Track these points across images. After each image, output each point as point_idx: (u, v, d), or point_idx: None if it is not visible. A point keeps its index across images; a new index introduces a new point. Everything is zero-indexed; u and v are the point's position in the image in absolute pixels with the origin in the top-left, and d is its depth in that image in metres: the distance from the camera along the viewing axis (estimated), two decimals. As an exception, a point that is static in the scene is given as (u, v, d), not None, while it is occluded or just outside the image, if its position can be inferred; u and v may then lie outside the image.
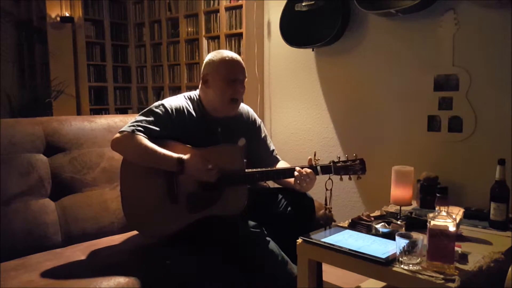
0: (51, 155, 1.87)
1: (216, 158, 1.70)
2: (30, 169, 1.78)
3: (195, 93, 1.86)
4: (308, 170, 1.70)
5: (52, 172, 1.84)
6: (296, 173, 1.70)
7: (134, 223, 1.77)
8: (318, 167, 1.72)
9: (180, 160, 1.63)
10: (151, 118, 1.70)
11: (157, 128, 1.70)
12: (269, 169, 1.80)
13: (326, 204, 1.67)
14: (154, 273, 1.51)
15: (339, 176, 1.73)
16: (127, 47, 4.97)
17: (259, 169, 1.76)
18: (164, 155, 1.64)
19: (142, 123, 1.69)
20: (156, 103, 1.77)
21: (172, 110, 1.73)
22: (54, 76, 4.39)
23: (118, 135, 1.69)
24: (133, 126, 1.68)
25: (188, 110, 1.78)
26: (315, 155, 1.75)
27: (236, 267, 1.67)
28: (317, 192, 1.78)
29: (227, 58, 1.77)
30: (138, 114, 1.75)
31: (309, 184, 1.72)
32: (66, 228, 1.80)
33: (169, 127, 1.73)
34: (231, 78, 1.75)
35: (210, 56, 1.82)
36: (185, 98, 1.83)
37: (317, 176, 1.73)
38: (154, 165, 1.67)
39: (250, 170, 1.74)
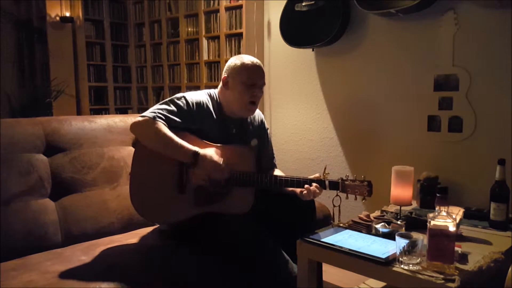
0: (51, 155, 1.87)
1: (229, 157, 1.71)
2: (30, 169, 1.78)
3: (215, 91, 1.88)
4: (317, 191, 1.70)
5: (52, 172, 1.84)
6: (304, 191, 1.70)
7: (139, 207, 1.77)
8: (327, 182, 1.72)
9: (195, 153, 1.64)
10: (172, 108, 1.72)
11: (177, 119, 1.71)
12: (278, 176, 1.80)
13: (333, 220, 1.68)
14: (154, 273, 1.51)
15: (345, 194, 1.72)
16: (127, 47, 4.97)
17: (269, 175, 1.76)
18: (181, 145, 1.65)
19: (163, 111, 1.70)
20: (178, 95, 1.78)
21: (193, 103, 1.75)
22: (54, 76, 4.39)
23: (139, 118, 1.70)
24: (154, 112, 1.69)
25: (207, 106, 1.80)
26: (325, 169, 1.75)
27: (236, 267, 1.67)
28: (317, 192, 1.78)
29: (249, 63, 1.80)
30: (158, 103, 1.76)
31: (314, 197, 1.73)
32: (66, 228, 1.80)
33: (189, 119, 1.74)
34: (251, 82, 1.77)
35: (233, 59, 1.84)
36: (206, 94, 1.85)
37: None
38: (169, 154, 1.68)
39: (261, 174, 1.75)
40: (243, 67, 1.79)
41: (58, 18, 4.44)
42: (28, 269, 1.49)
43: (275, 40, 3.22)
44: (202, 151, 1.65)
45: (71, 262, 1.56)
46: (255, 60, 1.83)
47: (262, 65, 1.84)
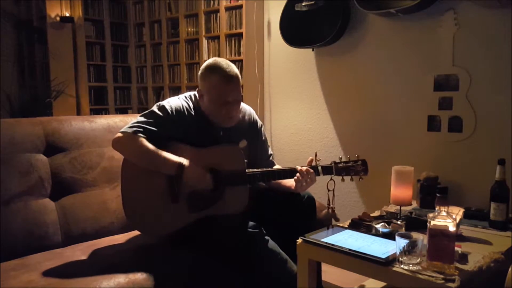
0: (51, 155, 1.87)
1: (217, 158, 1.70)
2: (30, 169, 1.78)
3: (196, 94, 1.86)
4: (310, 170, 1.70)
5: (52, 172, 1.84)
6: (297, 173, 1.70)
7: (134, 222, 1.77)
8: (319, 167, 1.72)
9: (180, 165, 1.63)
10: (151, 120, 1.71)
11: (158, 130, 1.70)
12: (269, 169, 1.80)
13: (329, 204, 1.67)
14: (154, 273, 1.51)
15: (340, 177, 1.72)
16: (127, 47, 4.97)
17: (260, 169, 1.76)
18: (165, 159, 1.64)
19: (142, 124, 1.69)
20: (157, 104, 1.76)
21: (172, 111, 1.73)
22: (54, 76, 4.39)
23: (119, 135, 1.70)
24: (134, 127, 1.68)
25: (188, 111, 1.78)
26: (316, 155, 1.75)
27: (235, 267, 1.67)
28: (317, 192, 1.78)
29: (220, 77, 1.69)
30: (139, 115, 1.75)
31: (308, 184, 1.72)
32: (66, 228, 1.80)
33: (170, 128, 1.73)
34: (224, 100, 1.70)
35: (204, 66, 1.75)
36: (186, 99, 1.82)
37: (318, 177, 1.73)
38: (153, 168, 1.67)
39: (251, 170, 1.74)
40: (215, 83, 1.69)
41: (58, 18, 4.44)
42: (28, 269, 1.49)
43: (275, 40, 3.22)
44: (186, 162, 1.63)
45: (71, 262, 1.56)
46: (228, 70, 1.70)
47: (236, 74, 1.72)
